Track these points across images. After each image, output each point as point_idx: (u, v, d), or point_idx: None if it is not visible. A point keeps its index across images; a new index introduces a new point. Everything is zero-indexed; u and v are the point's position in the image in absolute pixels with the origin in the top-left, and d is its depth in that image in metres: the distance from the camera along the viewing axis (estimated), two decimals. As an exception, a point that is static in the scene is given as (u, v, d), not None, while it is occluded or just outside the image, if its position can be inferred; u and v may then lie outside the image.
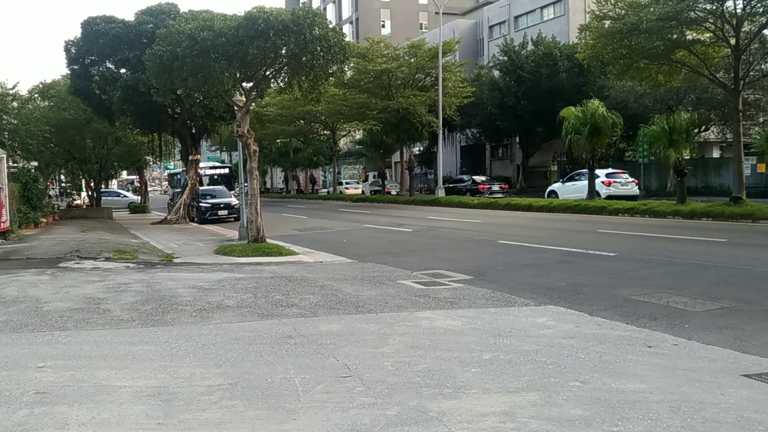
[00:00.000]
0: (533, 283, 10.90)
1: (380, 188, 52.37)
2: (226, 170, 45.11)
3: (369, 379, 5.64)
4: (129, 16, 31.62)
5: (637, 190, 32.42)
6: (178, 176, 44.02)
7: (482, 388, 5.37)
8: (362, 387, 5.45)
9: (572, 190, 32.65)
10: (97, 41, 26.79)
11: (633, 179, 33.15)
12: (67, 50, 28.03)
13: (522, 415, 4.74)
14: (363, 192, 56.42)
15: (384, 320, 8.18)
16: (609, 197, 29.92)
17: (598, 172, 31.66)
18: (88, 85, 27.73)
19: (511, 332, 7.38)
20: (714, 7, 23.08)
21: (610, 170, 34.15)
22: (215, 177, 42.23)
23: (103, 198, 43.71)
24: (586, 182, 30.83)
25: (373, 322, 8.03)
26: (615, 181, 32.19)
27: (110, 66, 28.42)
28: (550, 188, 36.30)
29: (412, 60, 41.77)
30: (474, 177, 45.97)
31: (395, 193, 49.14)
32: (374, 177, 56.29)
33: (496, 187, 42.52)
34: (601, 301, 9.24)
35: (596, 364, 6.03)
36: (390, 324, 7.93)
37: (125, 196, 57.72)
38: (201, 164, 32.40)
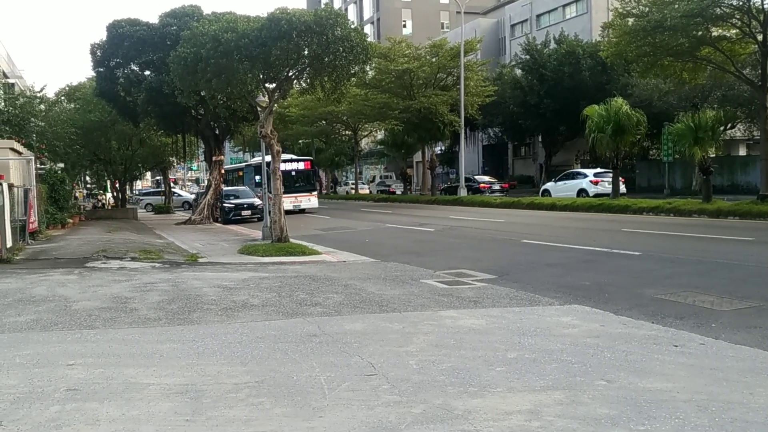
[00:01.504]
0: (557, 283, 10.85)
1: (386, 188, 55.79)
2: (304, 164, 36.87)
3: (394, 378, 5.67)
4: (153, 18, 32.16)
5: (624, 188, 33.82)
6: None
7: (507, 387, 5.37)
8: (387, 385, 5.48)
9: (564, 188, 34.95)
10: (122, 44, 27.12)
11: (620, 178, 34.31)
12: (92, 53, 28.41)
13: (548, 414, 4.73)
14: (370, 191, 57.32)
15: (408, 319, 8.19)
16: (596, 195, 31.91)
17: (587, 171, 35.54)
18: (113, 87, 28.06)
19: (536, 331, 7.36)
20: (740, 3, 22.78)
21: (598, 170, 35.99)
22: (292, 173, 34.49)
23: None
24: (576, 181, 34.52)
25: (397, 321, 8.05)
26: (602, 180, 33.96)
27: (135, 68, 28.75)
28: (543, 187, 38.01)
29: (434, 59, 41.74)
30: (476, 177, 47.73)
31: (400, 192, 50.30)
32: (380, 177, 57.60)
33: (496, 186, 44.28)
34: (626, 301, 9.17)
35: (622, 363, 6.00)
36: (414, 323, 7.95)
37: (179, 195, 58.01)
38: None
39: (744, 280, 10.47)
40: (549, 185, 37.18)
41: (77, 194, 42.22)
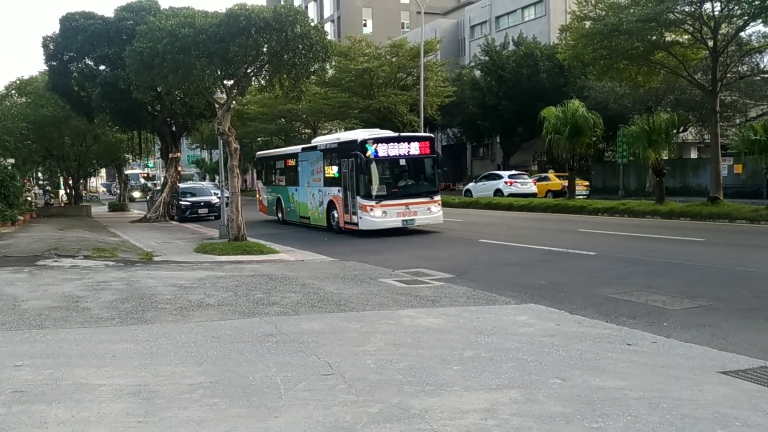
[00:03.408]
0: (514, 282, 10.96)
1: None
2: (423, 147, 20.17)
3: (351, 377, 5.64)
4: (108, 12, 31.32)
5: (535, 189, 35.93)
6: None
7: (464, 386, 5.39)
8: (344, 385, 5.45)
9: (483, 188, 37.18)
10: (75, 37, 26.46)
11: (531, 180, 37.41)
12: (45, 46, 27.64)
13: (503, 412, 4.77)
14: None
15: (366, 318, 8.18)
16: (510, 194, 34.06)
17: (502, 173, 37.99)
18: (66, 81, 27.37)
19: (493, 330, 7.41)
20: (692, 10, 23.35)
21: (512, 172, 38.54)
22: (400, 162, 19.88)
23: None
24: (494, 182, 36.66)
25: (355, 320, 8.03)
26: (516, 182, 36.02)
27: (89, 62, 28.05)
28: (466, 187, 40.31)
29: (394, 59, 41.83)
30: None
31: None
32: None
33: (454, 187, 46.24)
34: (582, 300, 9.31)
35: (577, 362, 6.08)
36: (372, 322, 7.93)
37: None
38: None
39: (694, 280, 10.72)
40: (471, 185, 39.55)
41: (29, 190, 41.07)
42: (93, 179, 71.93)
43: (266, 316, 8.38)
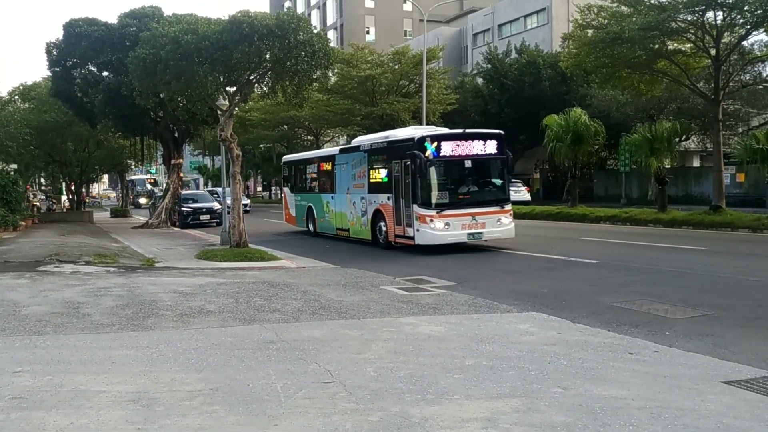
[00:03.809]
0: (516, 290, 10.93)
1: None
2: (491, 145, 17.11)
3: (351, 385, 5.62)
4: (112, 18, 31.51)
5: (529, 197, 36.44)
6: None
7: (465, 394, 5.37)
8: (344, 393, 5.43)
9: None
10: (79, 43, 26.54)
11: (525, 187, 38.38)
12: (48, 52, 27.75)
13: (504, 421, 4.74)
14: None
15: (367, 326, 8.15)
16: None
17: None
18: (69, 87, 27.46)
19: (494, 338, 7.38)
20: (695, 18, 23.36)
21: None
22: (466, 165, 16.85)
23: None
24: None
25: (356, 328, 8.00)
26: (509, 189, 35.50)
27: (92, 69, 28.14)
28: None
29: (397, 67, 41.88)
30: None
31: None
32: None
33: None
34: (583, 308, 9.28)
35: (578, 371, 6.05)
36: (373, 330, 7.91)
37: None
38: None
39: (696, 288, 10.68)
40: None
41: (30, 196, 41.10)
42: (95, 185, 72.00)
43: (267, 323, 8.36)
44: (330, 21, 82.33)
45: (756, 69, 32.77)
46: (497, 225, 16.72)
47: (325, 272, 13.77)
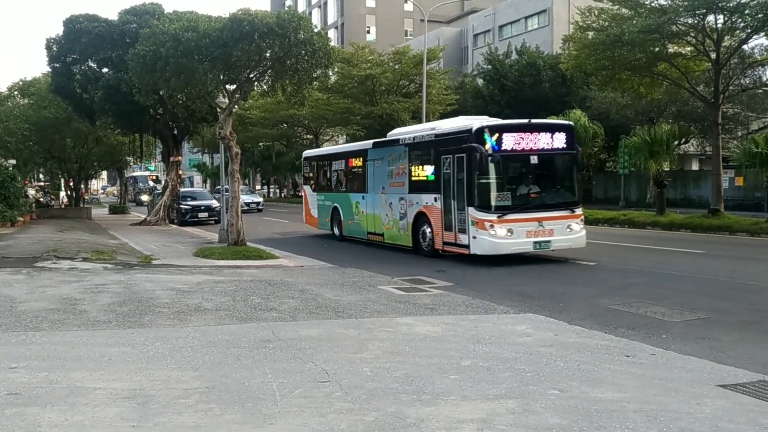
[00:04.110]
0: (513, 291, 10.94)
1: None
2: (560, 138, 14.81)
3: (347, 385, 5.61)
4: (112, 15, 31.42)
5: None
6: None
7: (461, 395, 5.36)
8: (340, 392, 5.42)
9: None
10: (79, 40, 26.52)
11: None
12: (48, 48, 27.73)
13: (500, 423, 4.73)
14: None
15: (364, 326, 8.15)
16: None
17: None
18: (69, 83, 27.42)
19: (491, 339, 7.38)
20: (695, 22, 23.37)
21: None
22: (531, 161, 14.58)
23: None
24: None
25: (353, 328, 8.00)
26: (579, 190, 35.22)
27: (92, 65, 28.10)
28: None
29: (397, 66, 41.90)
30: None
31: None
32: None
33: None
34: (580, 310, 9.28)
35: (574, 373, 6.04)
36: (370, 329, 7.90)
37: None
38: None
39: (694, 291, 10.69)
40: None
41: (30, 192, 41.05)
42: (94, 181, 71.93)
43: (264, 321, 8.35)
44: (331, 20, 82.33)
45: (756, 73, 32.79)
46: (567, 232, 14.42)
47: (323, 271, 13.77)
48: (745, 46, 25.90)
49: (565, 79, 38.31)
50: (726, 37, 24.21)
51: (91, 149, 38.23)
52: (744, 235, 20.05)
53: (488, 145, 13.81)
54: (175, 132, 31.04)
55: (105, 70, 27.73)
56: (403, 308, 9.35)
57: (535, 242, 14.01)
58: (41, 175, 50.94)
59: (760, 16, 21.73)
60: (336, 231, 21.01)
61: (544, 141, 14.50)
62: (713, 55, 24.14)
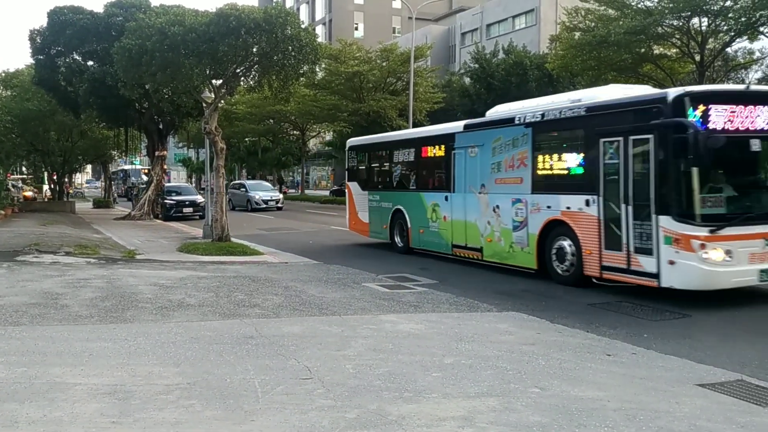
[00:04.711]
0: (497, 290, 10.97)
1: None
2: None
3: (329, 382, 5.61)
4: (98, 7, 31.18)
5: None
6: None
7: (442, 393, 5.38)
8: (322, 389, 5.42)
9: None
10: (63, 32, 26.27)
11: None
12: (32, 39, 27.43)
13: (481, 420, 4.76)
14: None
15: (347, 323, 8.15)
16: None
17: None
18: (53, 76, 27.16)
19: (473, 337, 7.41)
20: (680, 24, 23.58)
21: None
22: (752, 146, 9.66)
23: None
24: None
25: (336, 325, 8.00)
26: None
27: (77, 58, 27.87)
28: None
29: (384, 64, 41.82)
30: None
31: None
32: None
33: None
34: (563, 309, 9.33)
35: (556, 371, 6.08)
36: (353, 327, 7.91)
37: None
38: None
39: (676, 292, 10.75)
40: None
41: (11, 185, 40.62)
42: (78, 175, 71.34)
43: (247, 318, 8.33)
44: (318, 16, 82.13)
45: (739, 75, 33.08)
46: None
47: (307, 268, 13.74)
48: (728, 49, 26.17)
49: (552, 78, 38.42)
50: (710, 40, 24.47)
51: (75, 143, 37.89)
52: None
53: (690, 123, 9.22)
54: (161, 126, 30.84)
55: (90, 63, 27.50)
56: (387, 306, 9.36)
57: (763, 270, 9.45)
58: (24, 168, 50.44)
59: (743, 19, 21.96)
60: (398, 241, 16.54)
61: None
62: (698, 57, 24.38)
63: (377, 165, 18.32)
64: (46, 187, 46.71)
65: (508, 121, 12.87)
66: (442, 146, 14.88)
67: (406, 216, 16.11)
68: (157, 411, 4.87)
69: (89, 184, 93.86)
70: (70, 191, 50.41)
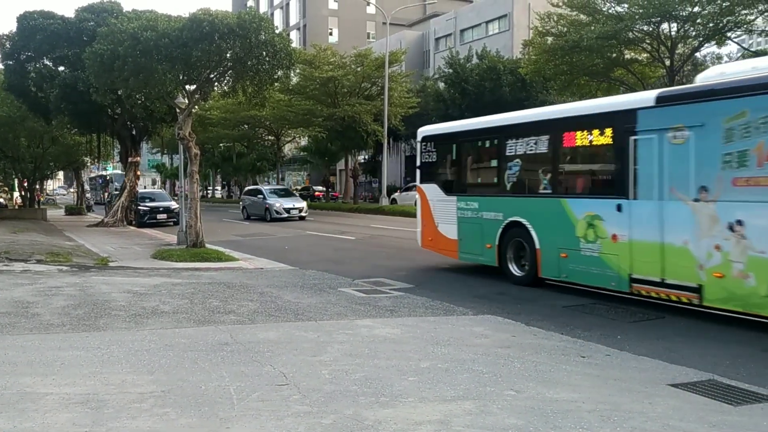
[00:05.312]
0: (472, 293, 11.01)
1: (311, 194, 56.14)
2: None
3: (305, 388, 5.59)
4: (69, 12, 30.79)
5: None
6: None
7: (419, 397, 5.39)
8: (298, 395, 5.40)
9: (407, 198, 39.11)
10: (33, 37, 25.95)
11: None
12: (0, 45, 27.06)
13: (457, 424, 4.77)
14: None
15: (323, 328, 8.12)
16: None
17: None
18: (23, 81, 26.80)
19: (449, 341, 7.43)
20: (651, 29, 23.94)
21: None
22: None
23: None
24: (413, 192, 35.21)
25: (312, 330, 7.97)
26: None
27: (48, 63, 27.55)
28: (393, 196, 43.66)
29: (359, 69, 41.85)
30: (314, 187, 58.59)
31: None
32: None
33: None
34: (538, 312, 9.39)
35: (531, 374, 6.12)
36: (329, 332, 7.88)
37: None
38: None
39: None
40: (396, 195, 43.80)
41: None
42: (50, 181, 70.28)
43: (222, 324, 8.27)
44: (293, 21, 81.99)
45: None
46: None
47: (283, 273, 13.68)
48: (697, 54, 26.61)
49: (525, 83, 38.80)
50: (679, 45, 24.88)
51: (46, 149, 37.42)
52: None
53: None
54: (134, 132, 30.56)
55: (61, 68, 27.20)
56: (363, 310, 9.35)
57: None
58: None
59: (711, 25, 22.37)
60: (514, 268, 12.02)
61: None
62: (668, 62, 24.77)
63: (474, 160, 13.76)
64: (16, 194, 45.99)
65: (761, 87, 7.97)
66: (609, 130, 10.07)
67: (532, 232, 11.41)
68: (131, 419, 4.81)
69: (58, 191, 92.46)
70: (41, 198, 49.68)
